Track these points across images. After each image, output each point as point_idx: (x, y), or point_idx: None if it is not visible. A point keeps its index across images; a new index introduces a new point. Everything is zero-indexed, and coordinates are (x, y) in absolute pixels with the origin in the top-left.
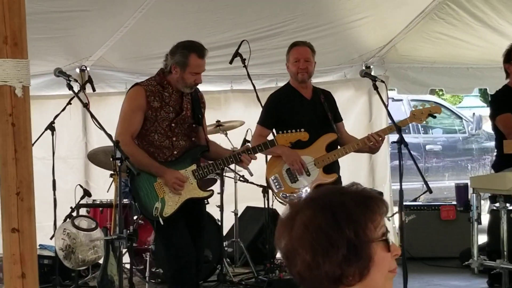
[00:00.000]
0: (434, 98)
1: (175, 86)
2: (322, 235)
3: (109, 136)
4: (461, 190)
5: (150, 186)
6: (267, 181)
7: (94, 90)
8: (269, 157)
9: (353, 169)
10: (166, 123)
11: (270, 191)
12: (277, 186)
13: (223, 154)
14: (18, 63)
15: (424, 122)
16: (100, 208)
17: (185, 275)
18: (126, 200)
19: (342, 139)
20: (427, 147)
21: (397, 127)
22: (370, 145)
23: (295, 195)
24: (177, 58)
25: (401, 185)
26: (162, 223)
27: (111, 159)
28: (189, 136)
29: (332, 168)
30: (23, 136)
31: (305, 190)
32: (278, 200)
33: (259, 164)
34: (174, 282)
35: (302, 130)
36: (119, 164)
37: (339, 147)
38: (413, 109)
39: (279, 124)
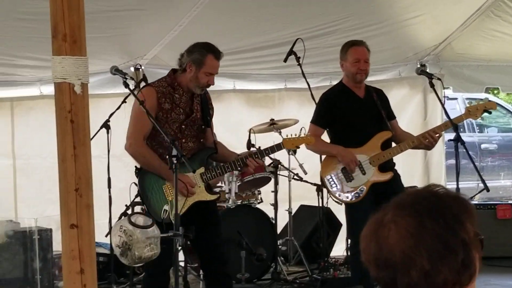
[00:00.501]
0: (489, 96)
1: (186, 87)
2: (438, 240)
3: (165, 133)
4: None
5: (159, 188)
6: (322, 180)
7: None
8: (323, 156)
9: (408, 169)
10: (176, 125)
11: (324, 189)
12: (333, 186)
13: (230, 157)
14: (77, 60)
15: (480, 118)
16: None
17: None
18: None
19: (397, 137)
20: (482, 146)
21: (454, 124)
22: (426, 142)
23: (350, 193)
24: (195, 56)
25: (457, 184)
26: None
27: (166, 157)
28: (197, 138)
29: (388, 166)
30: (82, 133)
31: (361, 190)
32: (333, 199)
33: (313, 162)
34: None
35: (309, 134)
36: (175, 161)
37: (394, 145)
38: (468, 105)
39: (333, 123)
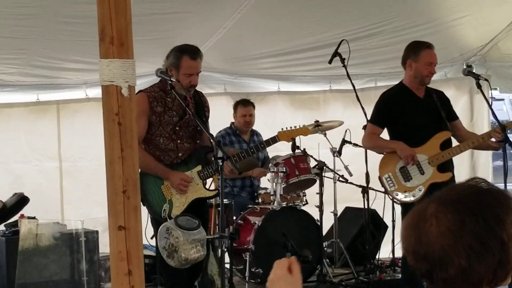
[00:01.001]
0: None
1: (178, 91)
2: (477, 241)
3: (211, 135)
4: None
5: (157, 188)
6: (380, 180)
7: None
8: (374, 158)
9: (455, 170)
10: (170, 127)
11: (370, 191)
12: (390, 185)
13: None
14: (124, 63)
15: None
16: None
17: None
18: (226, 200)
19: (461, 137)
20: None
21: (502, 126)
22: (490, 143)
23: (408, 193)
24: (171, 60)
25: (505, 185)
26: None
27: (212, 159)
28: (193, 139)
29: (447, 166)
30: (129, 135)
31: (419, 190)
32: (390, 199)
33: (359, 164)
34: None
35: (304, 125)
36: (221, 163)
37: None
38: None
39: (391, 123)
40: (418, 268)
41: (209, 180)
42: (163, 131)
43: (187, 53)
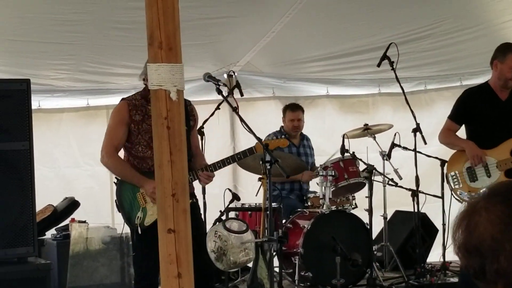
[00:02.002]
0: None
1: None
2: None
3: (259, 139)
4: None
5: (133, 196)
6: (446, 177)
7: (242, 95)
8: (423, 162)
9: None
10: (148, 135)
11: (420, 194)
12: (455, 183)
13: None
14: (172, 67)
15: None
16: (249, 212)
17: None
18: (275, 204)
19: None
20: None
21: None
22: None
23: (473, 194)
24: (144, 69)
25: None
26: (140, 233)
27: (260, 162)
28: None
29: None
30: (177, 138)
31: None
32: (454, 197)
33: (408, 168)
34: None
35: (283, 137)
36: (269, 167)
37: None
38: None
39: (468, 120)
40: (470, 266)
41: (258, 184)
42: (142, 139)
43: None
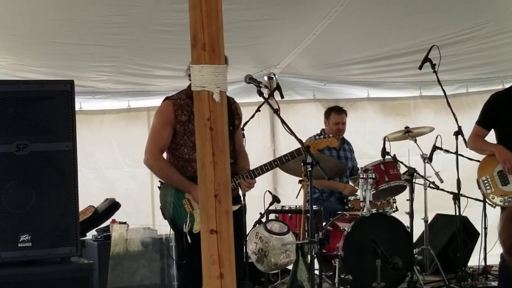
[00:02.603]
0: None
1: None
2: None
3: (300, 141)
4: None
5: (179, 201)
6: (478, 182)
7: (282, 97)
8: (471, 164)
9: None
10: (194, 138)
11: (462, 198)
12: (487, 188)
13: (239, 173)
14: (216, 68)
15: None
16: (289, 214)
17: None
18: (316, 206)
19: None
20: None
21: None
22: None
23: (506, 198)
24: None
25: None
26: (189, 241)
27: (301, 164)
28: None
29: None
30: (220, 139)
31: None
32: (487, 202)
33: (450, 171)
34: None
35: (331, 135)
36: (310, 169)
37: None
38: None
39: (497, 124)
40: None
41: (298, 186)
42: (188, 140)
43: None
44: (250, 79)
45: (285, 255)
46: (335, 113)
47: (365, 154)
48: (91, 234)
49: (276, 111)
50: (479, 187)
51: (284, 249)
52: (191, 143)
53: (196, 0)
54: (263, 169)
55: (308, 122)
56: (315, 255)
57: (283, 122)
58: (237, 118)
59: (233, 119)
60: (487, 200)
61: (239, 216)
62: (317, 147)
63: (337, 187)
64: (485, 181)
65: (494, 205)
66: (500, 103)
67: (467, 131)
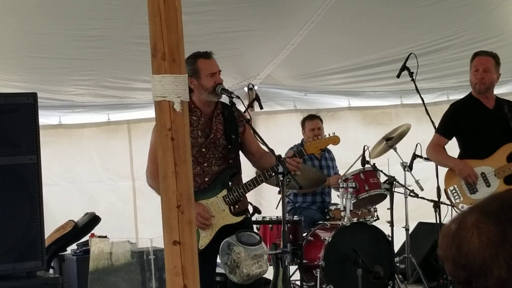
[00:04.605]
0: None
1: (203, 106)
2: None
3: (271, 150)
4: None
5: None
6: (446, 192)
7: (261, 108)
8: (442, 170)
9: None
10: (196, 149)
11: (442, 205)
12: (456, 197)
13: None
14: (176, 78)
15: None
16: (270, 225)
17: None
18: (296, 217)
19: None
20: None
21: None
22: None
23: None
24: (188, 70)
25: None
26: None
27: (273, 174)
28: (225, 160)
29: None
30: (182, 150)
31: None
32: (456, 212)
33: (431, 178)
34: None
35: (334, 133)
36: (281, 178)
37: None
38: None
39: (459, 133)
40: (456, 276)
41: (279, 197)
42: None
43: (200, 56)
44: (222, 90)
45: (257, 265)
46: (309, 120)
47: (349, 164)
48: (70, 249)
49: (248, 121)
50: (448, 198)
51: (256, 259)
52: (192, 156)
53: (155, 9)
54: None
55: (290, 133)
56: (288, 264)
57: (255, 132)
58: (240, 125)
59: (236, 127)
60: (455, 210)
61: (243, 227)
62: (320, 147)
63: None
64: (453, 191)
65: None
66: (459, 111)
67: None
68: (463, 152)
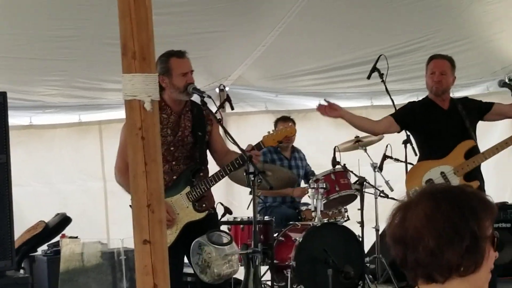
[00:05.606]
0: None
1: (173, 104)
2: (449, 224)
3: (242, 150)
4: None
5: None
6: (407, 194)
7: (232, 108)
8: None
9: (499, 188)
10: (164, 147)
11: None
12: None
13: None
14: (146, 77)
15: None
16: (241, 226)
17: None
18: (268, 217)
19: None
20: None
21: None
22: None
23: None
24: (159, 68)
25: None
26: None
27: (244, 174)
28: (192, 159)
29: (474, 175)
30: (152, 149)
31: None
32: None
33: (402, 179)
34: None
35: (290, 123)
36: (252, 178)
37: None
38: None
39: (415, 131)
40: (396, 254)
41: (249, 198)
42: None
43: (172, 55)
44: (193, 89)
45: (228, 265)
46: (282, 121)
47: (321, 165)
48: (41, 250)
49: (219, 121)
50: None
51: (226, 259)
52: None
53: (125, 9)
54: (210, 182)
55: (261, 134)
56: (258, 264)
57: (226, 132)
58: (209, 124)
59: (204, 125)
60: None
61: (208, 224)
62: (277, 139)
63: (285, 193)
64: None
65: None
66: (415, 108)
67: None
68: (422, 154)
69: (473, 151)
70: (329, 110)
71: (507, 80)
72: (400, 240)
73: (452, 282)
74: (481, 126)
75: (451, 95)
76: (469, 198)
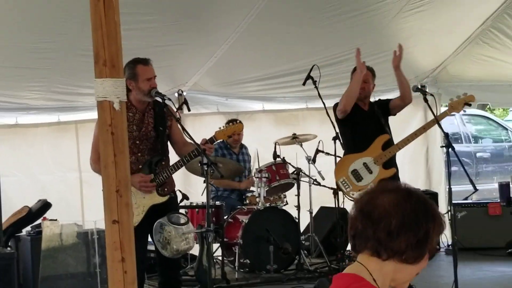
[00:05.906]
0: (482, 112)
1: (138, 104)
2: (414, 214)
3: (197, 144)
4: (504, 187)
5: None
6: (337, 184)
7: (189, 110)
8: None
9: (412, 177)
10: (131, 141)
11: (340, 192)
12: (346, 187)
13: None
14: (115, 82)
15: (462, 111)
16: (197, 209)
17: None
18: (219, 202)
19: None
20: (478, 154)
21: (438, 122)
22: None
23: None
24: (127, 73)
25: (449, 184)
26: None
27: (199, 164)
28: (154, 150)
29: (390, 163)
30: (120, 143)
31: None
32: (348, 199)
33: (331, 170)
34: None
35: (238, 121)
36: (206, 168)
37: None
38: (450, 101)
39: (347, 126)
40: (355, 225)
41: (204, 185)
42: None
43: (139, 62)
44: (156, 93)
45: (185, 242)
46: (231, 122)
47: (263, 159)
48: (25, 231)
49: (178, 120)
50: (339, 189)
51: (184, 237)
52: (128, 147)
53: (97, 23)
54: (184, 159)
55: (214, 132)
56: (211, 242)
57: (184, 129)
58: (169, 119)
59: (165, 121)
60: (347, 197)
61: (170, 206)
62: (227, 133)
63: (233, 185)
64: (343, 182)
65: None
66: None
67: None
68: (346, 149)
69: (389, 143)
70: (399, 57)
71: (419, 86)
72: (367, 214)
73: (391, 262)
74: (398, 122)
75: (376, 98)
76: (435, 209)
